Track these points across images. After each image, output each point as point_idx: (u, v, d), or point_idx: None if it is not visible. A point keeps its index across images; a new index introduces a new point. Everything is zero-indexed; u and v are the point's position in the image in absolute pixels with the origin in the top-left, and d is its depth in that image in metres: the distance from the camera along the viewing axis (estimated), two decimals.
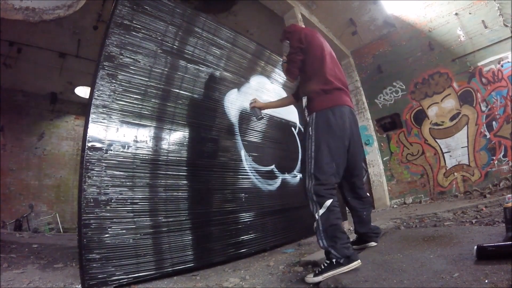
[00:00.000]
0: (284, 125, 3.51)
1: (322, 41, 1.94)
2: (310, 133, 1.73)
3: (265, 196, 2.99)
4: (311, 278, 1.58)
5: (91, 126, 1.88)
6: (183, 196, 2.28)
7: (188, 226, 2.24)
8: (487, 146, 5.43)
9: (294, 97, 2.34)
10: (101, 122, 1.93)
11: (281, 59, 2.02)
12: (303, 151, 1.78)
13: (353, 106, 1.92)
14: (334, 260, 1.56)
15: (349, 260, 1.55)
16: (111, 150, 1.95)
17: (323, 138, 1.69)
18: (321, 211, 1.60)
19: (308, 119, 1.80)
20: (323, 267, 1.59)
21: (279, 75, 3.60)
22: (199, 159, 2.47)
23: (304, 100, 1.87)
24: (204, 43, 2.70)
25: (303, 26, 5.30)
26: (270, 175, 3.12)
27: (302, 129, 3.71)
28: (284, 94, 3.59)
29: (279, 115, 3.43)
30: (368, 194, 2.14)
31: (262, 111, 2.55)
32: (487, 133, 5.43)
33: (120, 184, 1.94)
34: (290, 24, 2.50)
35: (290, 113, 3.58)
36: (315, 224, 1.63)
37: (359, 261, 1.56)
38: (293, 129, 3.63)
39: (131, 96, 2.11)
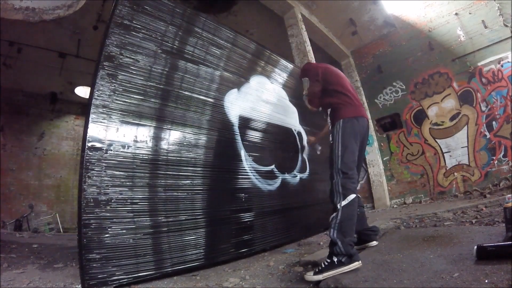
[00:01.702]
0: (284, 126, 3.51)
1: (336, 70, 2.25)
2: (338, 136, 1.94)
3: (265, 196, 2.98)
4: (311, 276, 1.58)
5: (91, 126, 1.88)
6: (183, 196, 2.28)
7: (188, 226, 2.24)
8: (487, 146, 5.42)
9: None
10: (101, 122, 1.93)
11: (304, 93, 2.38)
12: (330, 152, 1.99)
13: (368, 118, 2.21)
14: (335, 259, 1.56)
15: (350, 259, 1.55)
16: (111, 150, 1.94)
17: (349, 140, 1.92)
18: (343, 203, 1.72)
19: (334, 124, 2.02)
20: (323, 265, 1.59)
21: (279, 75, 3.60)
22: (199, 159, 2.47)
23: (329, 111, 2.10)
24: (204, 43, 2.70)
25: (303, 26, 5.32)
26: (270, 175, 3.12)
27: (302, 131, 3.75)
28: (284, 94, 3.60)
29: (280, 116, 3.42)
30: (359, 195, 2.26)
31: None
32: (487, 133, 5.42)
33: (120, 184, 1.94)
34: (306, 63, 2.87)
35: (291, 114, 3.58)
36: (333, 214, 1.74)
37: (360, 262, 1.57)
38: (293, 129, 3.63)
39: (131, 96, 2.11)
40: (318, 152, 2.99)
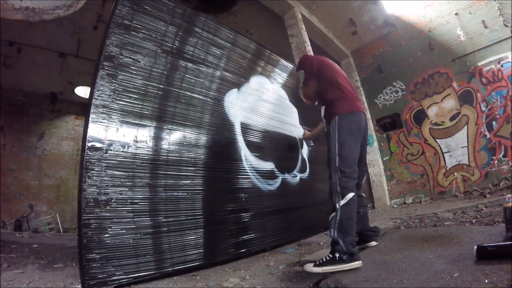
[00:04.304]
0: (284, 125, 3.51)
1: (332, 63, 2.21)
2: (335, 133, 1.91)
3: (265, 196, 2.98)
4: (310, 267, 1.60)
5: (91, 126, 1.88)
6: (183, 196, 2.28)
7: (188, 226, 2.24)
8: (487, 146, 5.42)
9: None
10: (101, 122, 1.93)
11: (299, 85, 2.33)
12: (328, 150, 1.98)
13: (365, 112, 2.15)
14: (337, 255, 1.57)
15: (351, 258, 1.55)
16: (111, 150, 1.94)
17: (346, 137, 1.88)
18: (342, 202, 1.71)
19: (330, 122, 1.99)
20: (325, 259, 1.60)
21: (279, 75, 3.60)
22: (199, 159, 2.47)
23: (323, 110, 2.10)
24: (204, 43, 2.70)
25: (304, 26, 5.32)
26: (270, 175, 3.12)
27: (302, 130, 3.75)
28: (284, 94, 3.60)
29: (280, 116, 3.42)
30: (363, 194, 2.28)
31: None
32: (487, 133, 5.43)
33: (120, 184, 1.94)
34: (303, 55, 2.92)
35: (291, 113, 3.58)
36: (332, 214, 1.74)
37: (360, 261, 1.57)
38: (293, 129, 3.63)
39: (131, 96, 2.11)
40: (309, 148, 3.32)
